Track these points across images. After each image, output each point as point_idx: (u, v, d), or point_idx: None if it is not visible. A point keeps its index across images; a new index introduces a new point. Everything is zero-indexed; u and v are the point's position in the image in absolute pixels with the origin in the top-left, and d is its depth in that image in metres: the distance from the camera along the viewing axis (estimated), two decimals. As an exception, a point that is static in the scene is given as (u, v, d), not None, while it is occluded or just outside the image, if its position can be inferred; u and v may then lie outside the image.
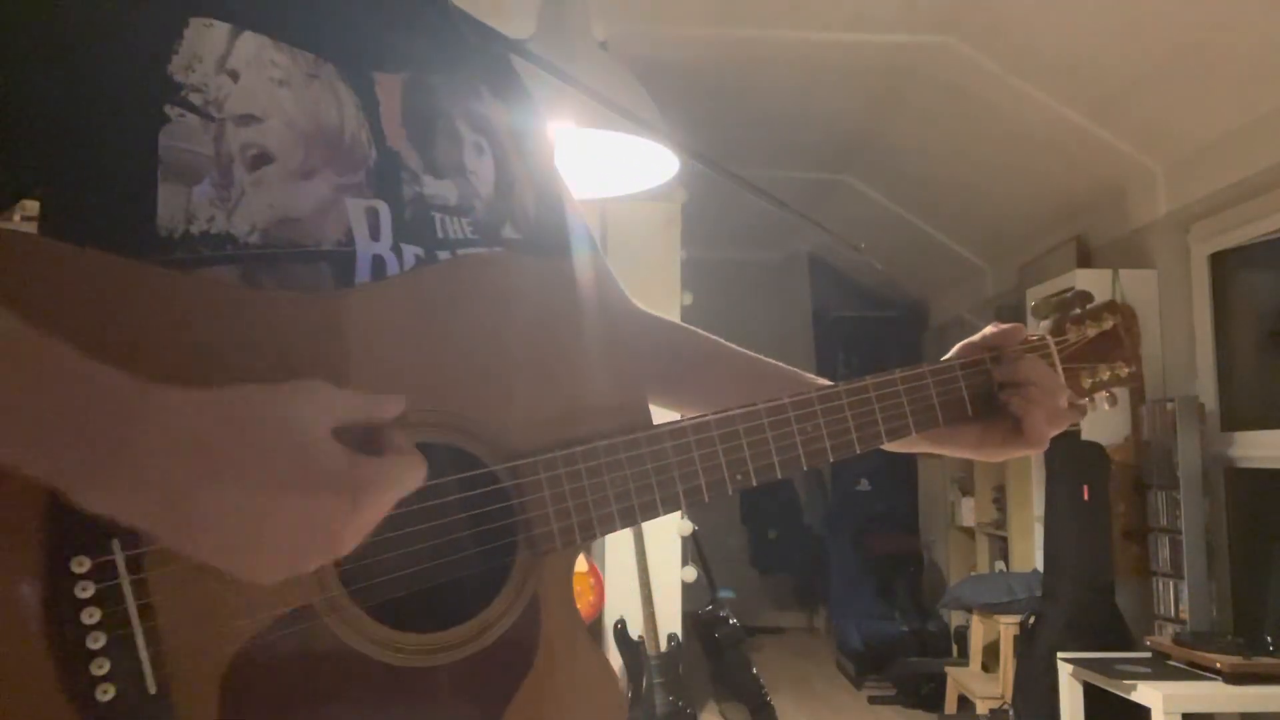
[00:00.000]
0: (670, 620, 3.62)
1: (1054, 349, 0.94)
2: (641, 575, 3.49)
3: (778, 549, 6.91)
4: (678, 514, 3.69)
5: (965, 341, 0.93)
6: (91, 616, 0.57)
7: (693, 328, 1.01)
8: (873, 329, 7.13)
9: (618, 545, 3.58)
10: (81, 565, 0.57)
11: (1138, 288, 3.81)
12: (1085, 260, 4.20)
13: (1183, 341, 3.67)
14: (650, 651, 3.51)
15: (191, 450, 0.54)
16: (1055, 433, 0.90)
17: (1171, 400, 3.47)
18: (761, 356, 0.99)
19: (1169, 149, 3.62)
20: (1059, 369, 0.94)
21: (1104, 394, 0.97)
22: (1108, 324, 0.96)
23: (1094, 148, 3.77)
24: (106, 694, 0.57)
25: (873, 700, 5.09)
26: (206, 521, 0.54)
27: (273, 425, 0.56)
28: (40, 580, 0.56)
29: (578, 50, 1.89)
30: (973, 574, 5.21)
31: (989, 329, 0.93)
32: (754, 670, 3.98)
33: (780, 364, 0.97)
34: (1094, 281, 3.85)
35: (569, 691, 0.73)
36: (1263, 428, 3.37)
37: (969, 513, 5.55)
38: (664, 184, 2.05)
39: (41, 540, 0.56)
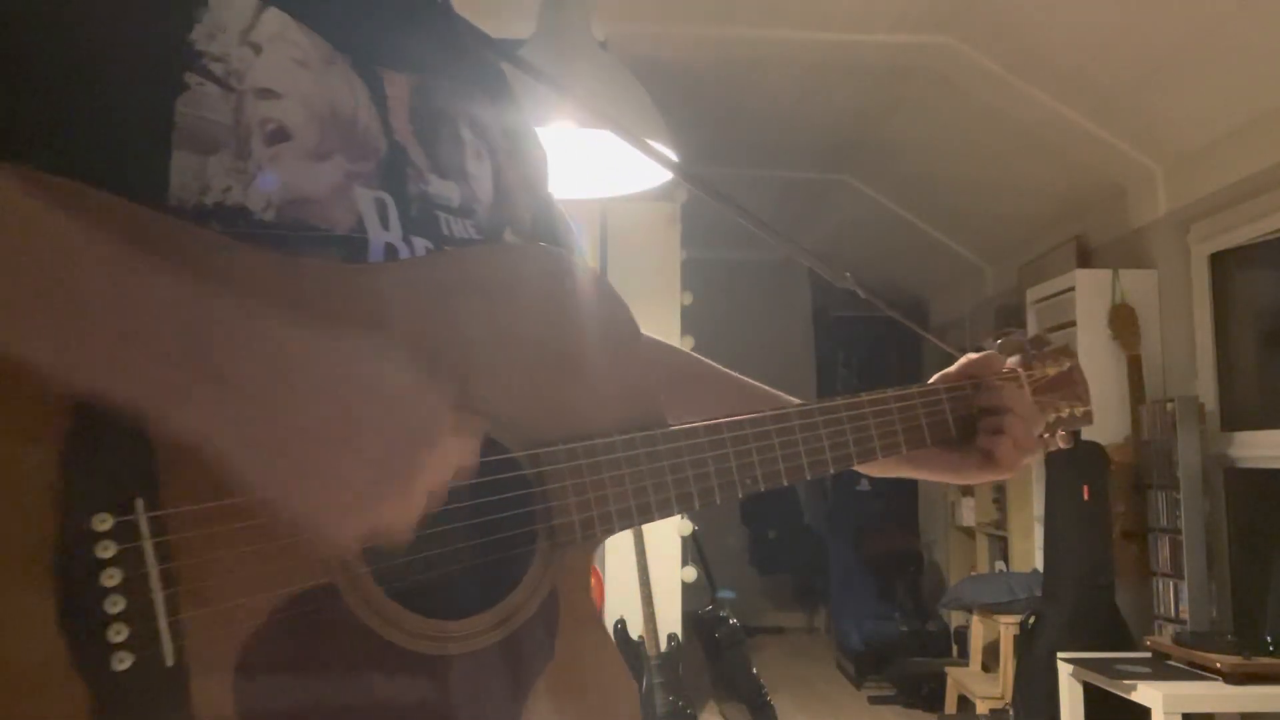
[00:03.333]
0: (670, 620, 3.62)
1: (1025, 382, 1.01)
2: (641, 575, 3.49)
3: (778, 549, 6.91)
4: (678, 514, 3.69)
5: (945, 371, 1.00)
6: (111, 579, 0.53)
7: (680, 349, 1.05)
8: (873, 329, 7.13)
9: (618, 545, 3.58)
10: (104, 523, 0.54)
11: (1138, 288, 3.81)
12: (1085, 260, 4.20)
13: (1183, 341, 3.67)
14: (650, 652, 3.50)
15: (288, 375, 0.55)
16: (1027, 460, 0.97)
17: (1171, 400, 3.47)
18: (751, 380, 1.03)
19: (1169, 149, 3.62)
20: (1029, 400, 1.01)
21: (1062, 433, 1.05)
22: (1065, 365, 1.04)
23: (1094, 148, 3.77)
24: (123, 662, 0.53)
25: (873, 700, 5.09)
26: (295, 445, 0.54)
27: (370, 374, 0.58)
28: (58, 536, 0.53)
29: (577, 50, 1.88)
30: (973, 574, 5.21)
31: (966, 358, 1.00)
32: (754, 670, 3.98)
33: (768, 389, 1.01)
34: (1094, 281, 3.85)
35: (586, 687, 0.73)
36: (1263, 428, 3.36)
37: (969, 513, 5.55)
38: (664, 184, 2.05)
39: (61, 493, 0.53)
